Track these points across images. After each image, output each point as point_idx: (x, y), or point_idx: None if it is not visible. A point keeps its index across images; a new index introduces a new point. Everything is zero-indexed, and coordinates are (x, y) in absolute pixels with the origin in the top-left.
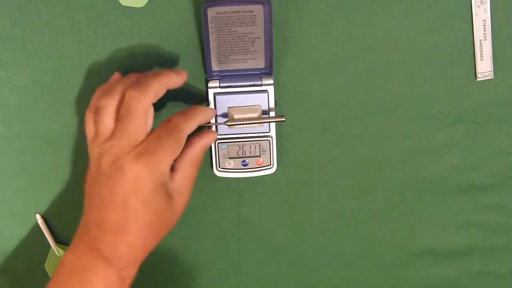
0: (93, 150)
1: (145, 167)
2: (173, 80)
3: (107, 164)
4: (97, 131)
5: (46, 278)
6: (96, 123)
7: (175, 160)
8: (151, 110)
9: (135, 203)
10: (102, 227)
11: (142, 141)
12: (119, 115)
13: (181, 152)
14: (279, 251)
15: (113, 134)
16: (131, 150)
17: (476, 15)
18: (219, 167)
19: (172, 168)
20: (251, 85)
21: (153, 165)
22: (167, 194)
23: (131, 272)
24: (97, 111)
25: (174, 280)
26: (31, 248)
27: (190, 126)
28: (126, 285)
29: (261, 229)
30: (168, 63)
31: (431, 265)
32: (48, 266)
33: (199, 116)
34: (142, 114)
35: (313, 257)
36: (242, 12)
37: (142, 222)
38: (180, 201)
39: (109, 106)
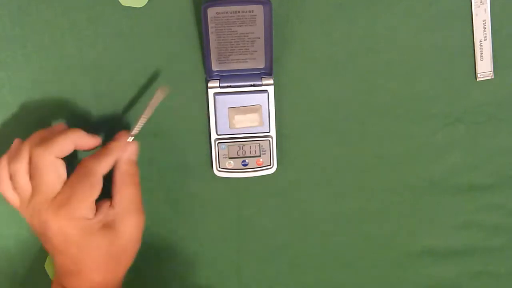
0: (25, 215)
1: (65, 219)
2: (82, 140)
3: (37, 223)
4: (19, 197)
5: (46, 278)
6: (15, 189)
7: (111, 185)
8: (60, 162)
9: (72, 250)
10: (63, 271)
11: (58, 192)
12: (30, 174)
13: (113, 175)
14: (279, 251)
15: (32, 193)
16: (50, 204)
17: (476, 15)
18: (219, 167)
19: (111, 193)
20: (251, 85)
21: (72, 214)
22: (104, 227)
23: None
24: (12, 178)
25: (174, 280)
26: (31, 248)
27: (102, 166)
28: None
29: (261, 229)
30: (168, 63)
31: (431, 265)
32: (48, 266)
33: (113, 154)
34: (49, 169)
35: (313, 257)
36: (242, 12)
37: (90, 261)
38: (128, 224)
39: (20, 169)
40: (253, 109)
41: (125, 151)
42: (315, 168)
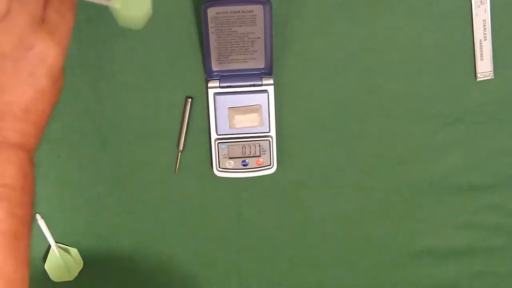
0: None
1: (56, 46)
2: None
3: (10, 45)
4: None
5: (46, 278)
6: None
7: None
8: None
9: (44, 81)
10: (5, 115)
11: (44, 18)
12: None
13: None
14: (279, 251)
15: (9, 12)
16: (37, 28)
17: (476, 15)
18: (219, 167)
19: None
20: (251, 85)
21: (63, 44)
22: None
23: (33, 149)
24: None
25: (174, 280)
26: (31, 248)
27: None
28: (33, 166)
29: (261, 229)
30: (168, 63)
31: (431, 265)
32: (48, 266)
33: None
34: None
35: (313, 257)
36: (242, 12)
37: (49, 101)
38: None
39: None
40: (253, 109)
41: None
42: (315, 168)
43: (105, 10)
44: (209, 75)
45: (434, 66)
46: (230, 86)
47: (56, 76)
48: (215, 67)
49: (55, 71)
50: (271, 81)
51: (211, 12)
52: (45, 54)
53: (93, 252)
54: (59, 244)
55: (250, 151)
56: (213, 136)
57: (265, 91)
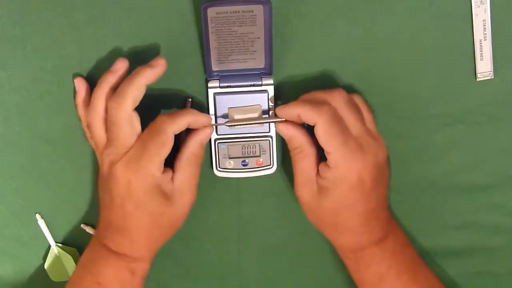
0: (99, 157)
1: (134, 174)
2: (149, 76)
3: (105, 170)
4: (95, 143)
5: (46, 278)
6: (92, 137)
7: (175, 160)
8: (134, 114)
9: (130, 207)
10: (108, 226)
11: (131, 147)
12: (106, 127)
13: (179, 152)
14: (279, 251)
15: (107, 143)
16: (121, 158)
17: (476, 15)
18: (219, 167)
19: (173, 169)
20: (251, 85)
21: (142, 171)
22: (164, 196)
23: (141, 266)
24: (89, 127)
25: (174, 280)
26: (31, 248)
27: (174, 127)
28: (138, 277)
29: (261, 229)
30: (168, 63)
31: (431, 265)
32: (48, 266)
33: (186, 118)
34: (124, 123)
35: (313, 257)
36: (242, 12)
37: (140, 224)
38: (182, 200)
39: (96, 121)
40: (253, 109)
41: (199, 133)
42: None
43: (105, 10)
44: (209, 75)
45: (434, 66)
46: (230, 86)
47: (139, 202)
48: (215, 67)
49: (136, 198)
50: (271, 81)
51: (211, 12)
52: (124, 183)
53: None
54: (59, 244)
55: (250, 151)
56: (213, 136)
57: (265, 91)
